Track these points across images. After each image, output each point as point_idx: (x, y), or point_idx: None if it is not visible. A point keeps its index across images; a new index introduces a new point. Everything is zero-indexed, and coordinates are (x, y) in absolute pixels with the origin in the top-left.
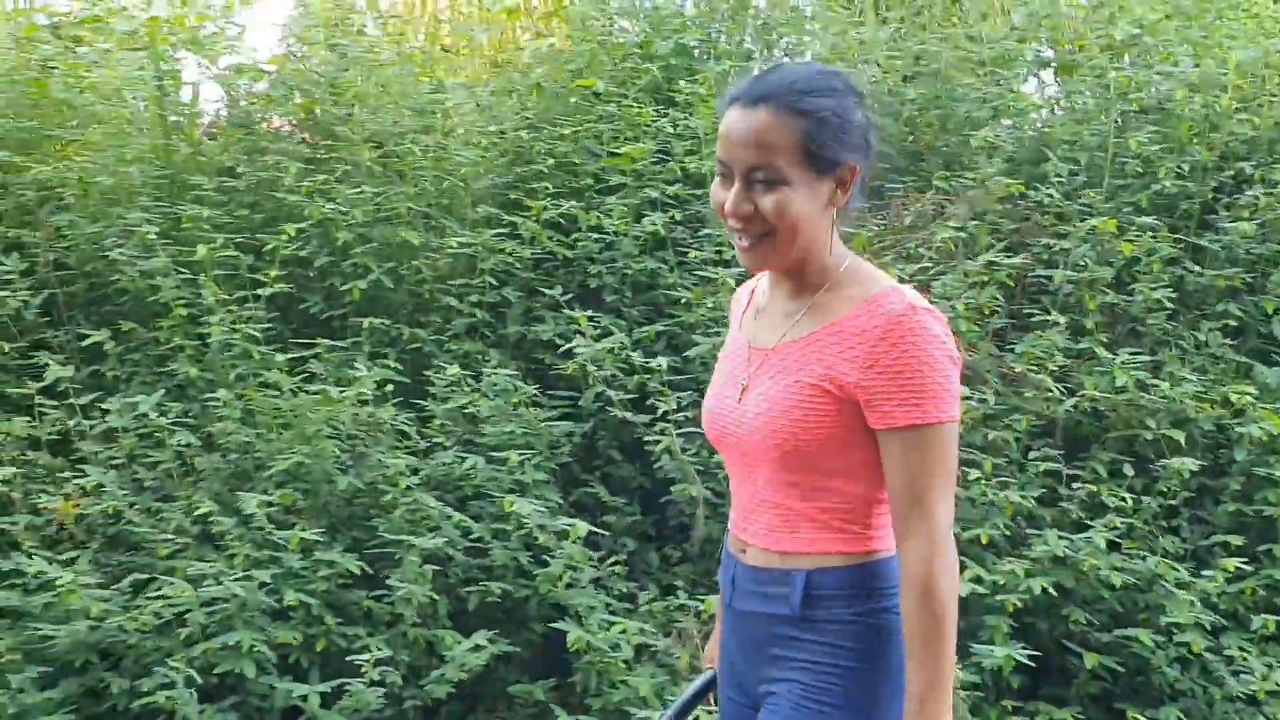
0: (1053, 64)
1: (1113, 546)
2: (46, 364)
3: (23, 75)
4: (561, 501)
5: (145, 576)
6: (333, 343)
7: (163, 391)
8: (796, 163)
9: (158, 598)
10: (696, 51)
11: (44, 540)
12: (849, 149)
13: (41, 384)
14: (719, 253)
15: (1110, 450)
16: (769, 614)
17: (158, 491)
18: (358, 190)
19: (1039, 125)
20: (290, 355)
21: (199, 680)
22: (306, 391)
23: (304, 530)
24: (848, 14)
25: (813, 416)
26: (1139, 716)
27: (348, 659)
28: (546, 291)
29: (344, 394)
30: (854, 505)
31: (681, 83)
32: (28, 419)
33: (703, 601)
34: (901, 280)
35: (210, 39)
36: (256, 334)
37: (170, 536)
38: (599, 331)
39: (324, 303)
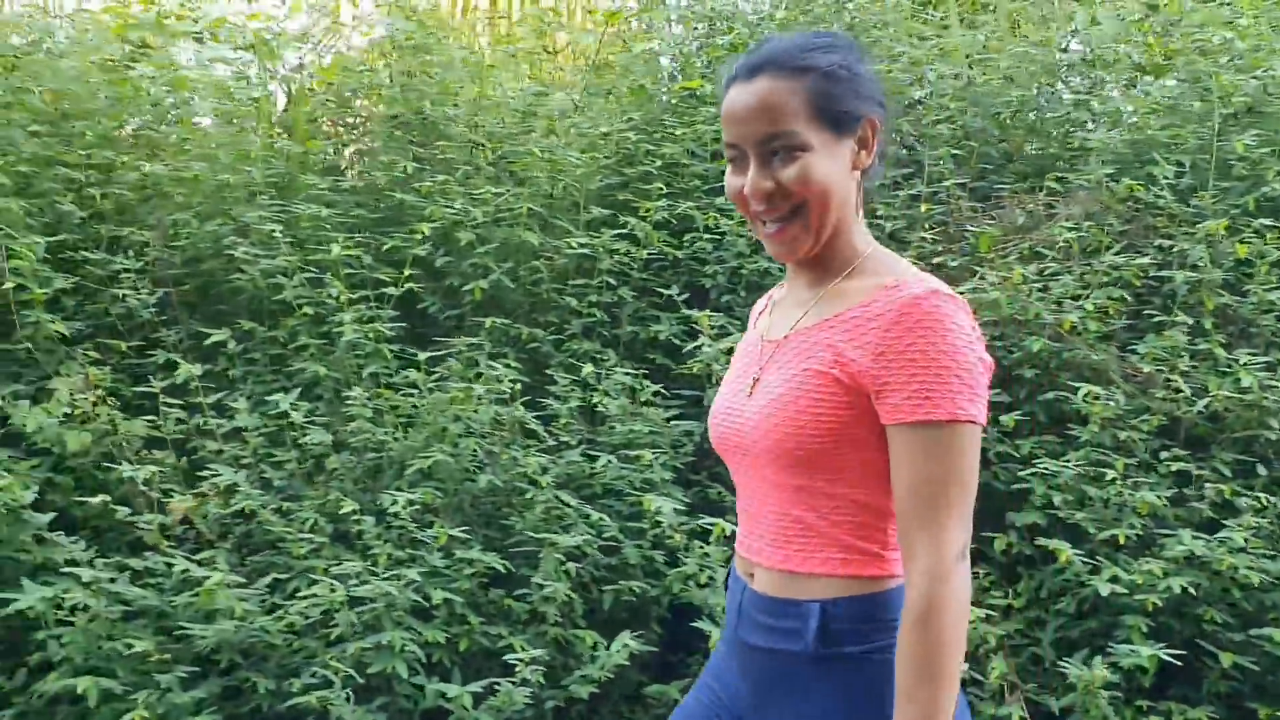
0: (1145, 68)
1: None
2: (174, 362)
3: (109, 76)
4: (687, 501)
5: (284, 576)
6: (472, 340)
7: (298, 390)
8: (812, 124)
9: (305, 597)
10: None
11: (174, 541)
12: (865, 101)
13: (165, 383)
14: None
15: (1230, 451)
16: (781, 650)
17: (284, 491)
18: (482, 191)
19: (1142, 129)
20: (428, 355)
21: (359, 679)
22: (442, 390)
23: (443, 528)
24: (940, 14)
25: (821, 407)
26: None
27: (488, 658)
28: (664, 291)
29: (483, 393)
30: (867, 519)
31: None
32: (148, 419)
33: None
34: (1025, 280)
35: (279, 38)
36: (387, 333)
37: (307, 536)
38: (716, 331)
39: (441, 302)
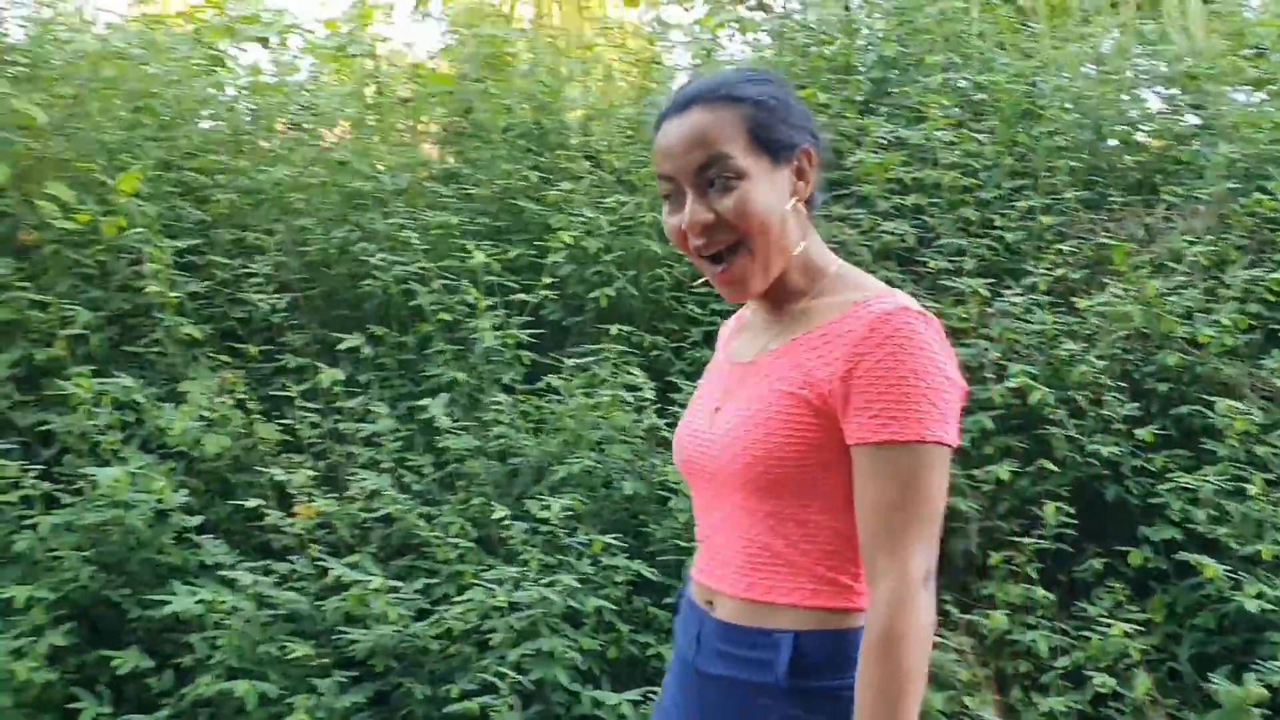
0: (1252, 83)
1: None
2: (300, 366)
3: (210, 80)
4: None
5: (434, 581)
6: (601, 348)
7: (444, 397)
8: (748, 152)
9: (459, 602)
10: (899, 64)
11: (315, 546)
12: (798, 131)
13: (302, 387)
14: (953, 262)
15: None
16: (746, 681)
17: (422, 496)
18: (610, 201)
19: (1253, 142)
20: (573, 362)
21: (529, 686)
22: (584, 395)
23: (594, 536)
24: (1034, 26)
25: (788, 429)
26: None
27: (632, 666)
28: None
29: (630, 399)
30: (839, 548)
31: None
32: (280, 422)
33: (987, 617)
34: (1161, 295)
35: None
36: (526, 339)
37: (455, 541)
38: None
39: (561, 309)
